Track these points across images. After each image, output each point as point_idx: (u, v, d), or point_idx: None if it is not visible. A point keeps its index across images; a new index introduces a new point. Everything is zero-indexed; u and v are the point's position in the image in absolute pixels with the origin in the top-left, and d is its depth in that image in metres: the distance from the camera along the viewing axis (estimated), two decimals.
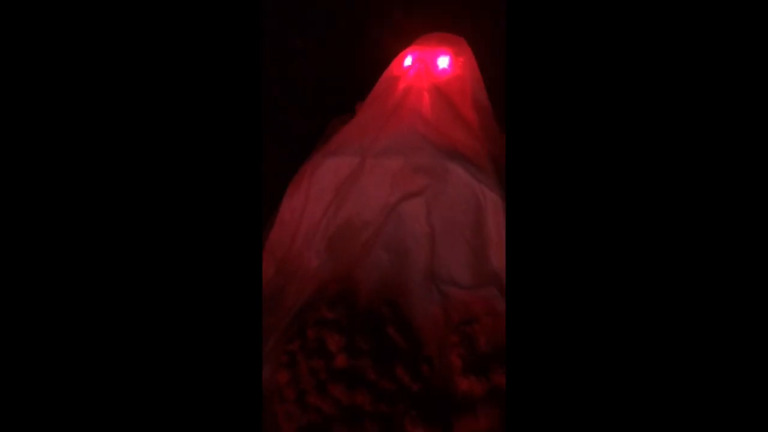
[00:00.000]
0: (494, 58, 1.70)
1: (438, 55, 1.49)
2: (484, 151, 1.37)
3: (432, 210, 1.31)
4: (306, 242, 1.36)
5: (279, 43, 2.02)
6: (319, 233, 1.35)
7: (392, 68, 1.53)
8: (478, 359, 1.14)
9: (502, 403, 1.10)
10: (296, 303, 1.28)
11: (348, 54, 1.98)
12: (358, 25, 2.01)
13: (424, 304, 1.21)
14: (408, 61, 1.52)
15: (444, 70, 1.48)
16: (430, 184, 1.32)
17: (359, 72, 1.75)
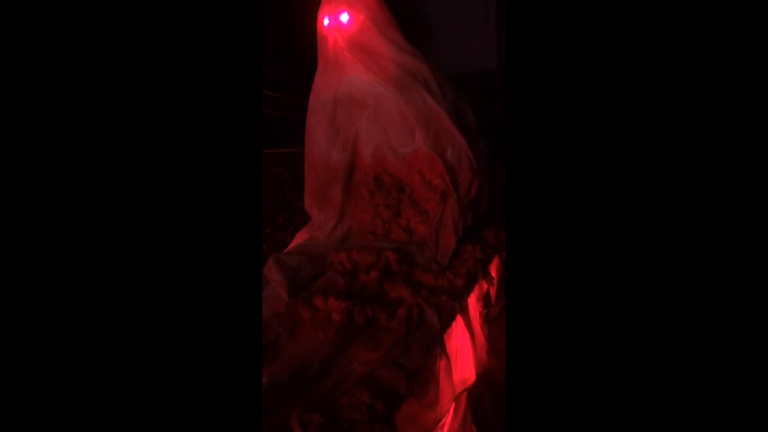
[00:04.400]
0: None
1: (340, 13, 2.16)
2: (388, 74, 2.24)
3: (378, 115, 2.34)
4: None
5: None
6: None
7: (319, 28, 2.26)
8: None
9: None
10: None
11: None
12: None
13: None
14: (326, 21, 2.21)
15: (349, 22, 2.17)
16: (369, 102, 2.29)
17: None
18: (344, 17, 2.20)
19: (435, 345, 1.90)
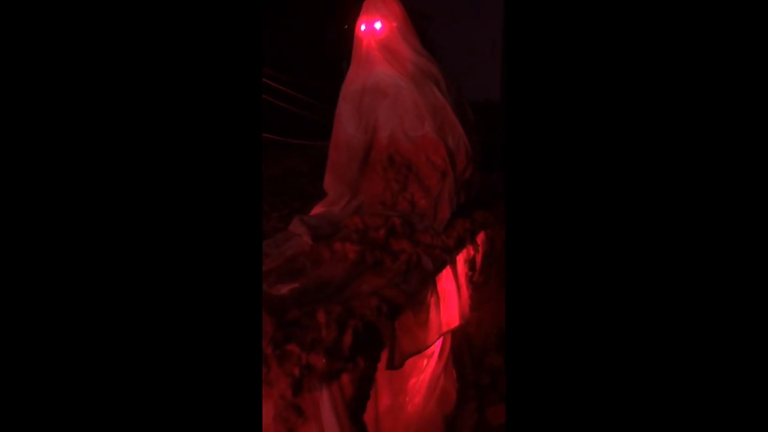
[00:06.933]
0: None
1: (374, 22, 2.76)
2: (407, 71, 2.82)
3: (396, 104, 2.92)
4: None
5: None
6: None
7: (357, 31, 2.85)
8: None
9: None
10: None
11: None
12: None
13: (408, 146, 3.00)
14: (363, 27, 2.81)
15: (381, 29, 2.77)
16: (390, 93, 2.89)
17: None
18: (377, 24, 2.79)
19: (428, 281, 2.41)
